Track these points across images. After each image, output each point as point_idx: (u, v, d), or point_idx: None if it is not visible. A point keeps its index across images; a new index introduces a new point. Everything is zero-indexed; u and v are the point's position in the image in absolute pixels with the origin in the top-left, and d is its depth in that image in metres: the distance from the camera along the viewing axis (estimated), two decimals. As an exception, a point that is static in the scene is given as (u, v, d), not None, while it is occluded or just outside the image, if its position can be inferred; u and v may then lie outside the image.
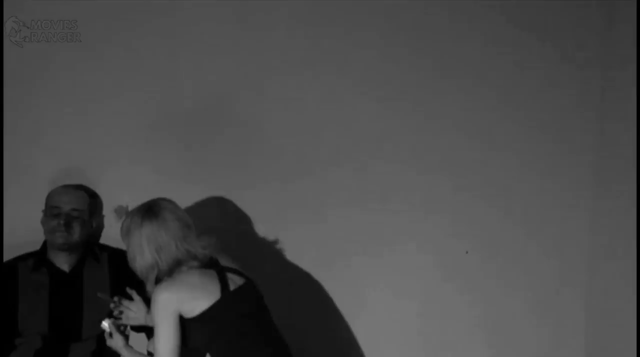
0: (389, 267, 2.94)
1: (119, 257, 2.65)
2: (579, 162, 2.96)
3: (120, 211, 2.74)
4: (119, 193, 2.74)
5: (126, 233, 2.30)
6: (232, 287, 2.29)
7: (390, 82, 2.88)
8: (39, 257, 2.62)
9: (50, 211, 2.59)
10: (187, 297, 2.23)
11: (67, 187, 2.67)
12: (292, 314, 2.84)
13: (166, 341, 2.22)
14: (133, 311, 2.52)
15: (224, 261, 2.38)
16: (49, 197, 2.63)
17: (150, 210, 2.29)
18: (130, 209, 2.37)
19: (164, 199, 2.35)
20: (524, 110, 2.93)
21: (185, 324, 2.26)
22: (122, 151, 2.79)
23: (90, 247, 2.68)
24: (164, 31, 2.78)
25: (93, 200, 2.71)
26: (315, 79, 2.85)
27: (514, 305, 2.99)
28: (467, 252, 2.96)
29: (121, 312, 2.51)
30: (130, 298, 2.53)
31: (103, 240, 2.77)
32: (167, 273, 2.27)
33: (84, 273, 2.63)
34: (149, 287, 2.33)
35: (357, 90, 2.87)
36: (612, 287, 2.85)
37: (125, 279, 2.55)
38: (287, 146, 2.87)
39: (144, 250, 2.26)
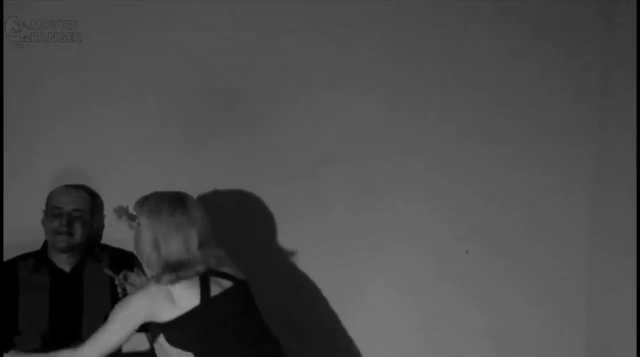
0: (389, 266, 2.94)
1: (119, 257, 2.66)
2: (579, 162, 2.96)
3: (120, 211, 2.72)
4: (120, 193, 2.74)
5: (155, 215, 2.21)
6: (214, 292, 2.25)
7: (393, 82, 2.88)
8: (40, 257, 2.63)
9: (52, 212, 2.59)
10: (161, 308, 2.19)
11: (68, 187, 2.67)
12: (291, 311, 2.84)
13: (108, 341, 2.19)
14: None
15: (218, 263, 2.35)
16: (50, 198, 2.63)
17: (183, 202, 2.25)
18: (130, 209, 2.36)
19: (190, 196, 2.31)
20: (524, 110, 2.93)
21: (162, 326, 2.23)
22: (122, 151, 2.79)
23: (90, 247, 2.68)
24: (164, 31, 2.78)
25: (94, 200, 2.72)
26: (318, 78, 2.86)
27: (513, 305, 2.99)
28: (467, 252, 2.96)
29: (125, 290, 2.49)
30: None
31: (104, 240, 2.77)
32: (161, 272, 2.23)
33: (85, 273, 2.63)
34: (146, 274, 2.30)
35: (361, 90, 2.87)
36: (612, 287, 2.85)
37: (135, 267, 2.55)
38: (290, 145, 2.87)
39: (170, 240, 2.20)
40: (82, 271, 2.63)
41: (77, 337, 2.56)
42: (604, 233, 2.91)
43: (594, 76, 2.92)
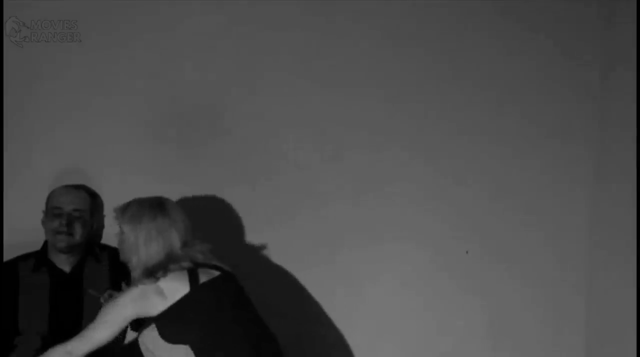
0: (389, 266, 2.94)
1: (119, 257, 2.65)
2: (579, 162, 2.96)
3: (120, 211, 2.74)
4: (119, 193, 2.74)
5: (137, 220, 2.27)
6: (202, 280, 2.27)
7: (392, 79, 2.88)
8: (40, 257, 2.63)
9: (52, 212, 2.60)
10: (152, 304, 2.22)
11: (68, 187, 2.67)
12: (289, 310, 2.84)
13: (96, 337, 2.21)
14: None
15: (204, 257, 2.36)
16: (50, 198, 2.63)
17: (163, 206, 2.30)
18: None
19: (169, 199, 2.36)
20: (524, 109, 2.93)
21: (155, 320, 2.24)
22: (122, 151, 2.79)
23: (90, 247, 2.68)
24: (163, 31, 2.78)
25: (94, 200, 2.72)
26: (318, 77, 2.86)
27: (513, 304, 2.99)
28: (467, 252, 2.96)
29: None
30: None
31: (104, 240, 2.77)
32: (146, 272, 2.25)
33: (85, 273, 2.63)
34: (133, 276, 2.31)
35: (361, 89, 2.87)
36: (612, 287, 2.85)
37: (125, 279, 2.55)
38: (289, 144, 2.87)
39: (151, 243, 2.26)
40: (82, 271, 2.63)
41: (77, 337, 2.56)
42: (604, 233, 2.91)
43: (594, 76, 2.92)
